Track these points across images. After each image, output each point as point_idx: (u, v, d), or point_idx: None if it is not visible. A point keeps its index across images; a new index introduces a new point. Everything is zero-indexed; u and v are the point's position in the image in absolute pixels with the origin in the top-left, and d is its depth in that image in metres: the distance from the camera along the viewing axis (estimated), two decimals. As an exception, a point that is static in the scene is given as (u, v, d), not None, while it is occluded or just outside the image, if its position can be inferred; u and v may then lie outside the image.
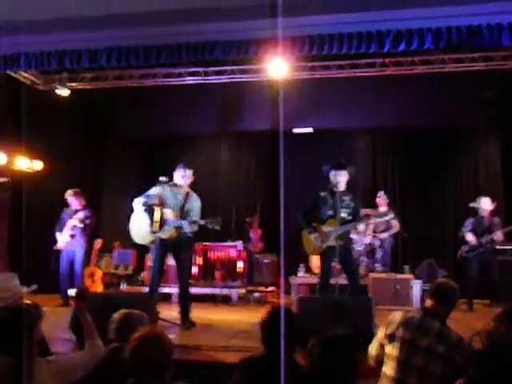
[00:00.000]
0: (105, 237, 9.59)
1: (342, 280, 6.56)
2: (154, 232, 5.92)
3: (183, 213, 6.14)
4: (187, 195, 6.25)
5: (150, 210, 6.09)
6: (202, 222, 5.94)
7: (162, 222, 5.99)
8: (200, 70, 9.23)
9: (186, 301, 6.19)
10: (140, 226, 6.17)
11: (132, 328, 3.26)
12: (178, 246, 6.15)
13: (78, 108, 9.87)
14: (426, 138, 9.86)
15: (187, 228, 5.99)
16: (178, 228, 6.04)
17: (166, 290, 8.22)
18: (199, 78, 9.38)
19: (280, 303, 3.26)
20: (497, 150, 9.80)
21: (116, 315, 3.44)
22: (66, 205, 7.99)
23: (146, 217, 6.09)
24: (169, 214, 6.06)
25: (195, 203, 6.27)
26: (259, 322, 2.90)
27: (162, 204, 6.04)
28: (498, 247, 7.93)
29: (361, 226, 6.25)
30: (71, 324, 4.81)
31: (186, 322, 5.95)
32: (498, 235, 7.48)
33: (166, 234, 6.01)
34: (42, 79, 9.62)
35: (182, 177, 6.22)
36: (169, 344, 2.49)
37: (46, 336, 5.13)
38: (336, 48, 5.56)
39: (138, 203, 6.19)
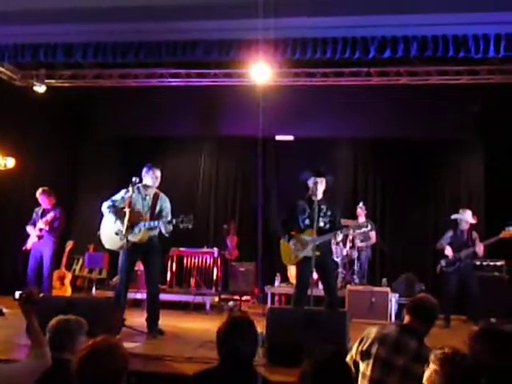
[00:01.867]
0: (79, 239, 9.36)
1: (318, 291, 6.40)
2: (123, 235, 5.66)
3: (154, 214, 5.92)
4: (156, 196, 6.02)
5: (118, 213, 5.84)
6: (174, 222, 5.70)
7: (132, 225, 5.74)
8: (182, 71, 9.06)
9: (154, 308, 5.95)
10: (108, 231, 5.94)
11: (70, 336, 3.04)
12: (148, 250, 5.91)
13: (55, 106, 9.64)
14: (409, 149, 9.80)
15: (163, 229, 5.74)
16: (149, 231, 5.81)
17: (138, 295, 7.97)
18: (181, 79, 9.20)
19: (239, 313, 3.07)
20: (479, 163, 9.74)
21: (52, 322, 3.15)
22: (39, 203, 7.74)
23: (114, 221, 5.85)
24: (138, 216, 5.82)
25: (165, 203, 6.05)
26: (216, 332, 2.71)
27: (131, 206, 5.79)
28: (477, 263, 7.87)
29: (339, 236, 6.08)
30: (27, 328, 4.56)
31: (153, 331, 5.70)
32: (480, 247, 7.37)
33: (137, 237, 5.76)
34: (19, 75, 9.39)
35: (152, 178, 5.95)
36: (122, 354, 2.28)
37: (4, 341, 4.93)
38: (320, 52, 5.43)
39: (105, 208, 5.97)
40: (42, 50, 5.98)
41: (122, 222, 5.68)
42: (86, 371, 2.18)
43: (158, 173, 6.01)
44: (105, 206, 5.97)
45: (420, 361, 2.96)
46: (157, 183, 6.03)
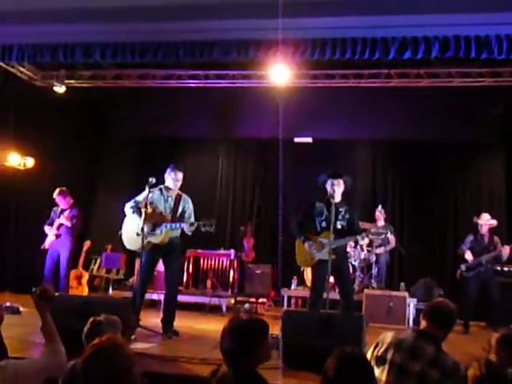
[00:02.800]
0: (97, 239, 9.39)
1: (334, 295, 6.33)
2: (143, 235, 5.66)
3: (176, 216, 5.91)
4: (179, 197, 6.03)
5: (140, 214, 5.83)
6: (195, 225, 5.69)
7: (154, 227, 5.75)
8: (200, 72, 9.05)
9: (171, 309, 5.95)
10: (130, 232, 5.95)
11: (98, 334, 3.02)
12: (169, 251, 5.92)
13: (75, 106, 9.67)
14: (429, 151, 9.66)
15: (186, 230, 5.75)
16: (170, 232, 5.81)
17: (154, 296, 7.98)
18: (199, 81, 9.19)
19: (243, 316, 2.99)
20: (501, 166, 9.57)
21: (86, 327, 3.19)
22: (56, 204, 7.78)
23: (136, 221, 5.85)
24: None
25: (187, 204, 6.06)
26: (220, 335, 2.64)
27: (153, 208, 5.80)
28: (497, 268, 7.73)
29: (363, 240, 6.00)
30: (42, 326, 4.56)
31: (168, 332, 5.68)
32: (506, 250, 7.22)
33: (158, 238, 5.78)
34: (39, 75, 9.46)
35: (174, 180, 5.96)
36: (127, 354, 2.24)
37: (20, 339, 4.93)
38: (339, 53, 5.36)
39: (128, 208, 5.99)
40: (60, 49, 6.00)
41: (144, 223, 5.69)
42: (89, 371, 2.15)
43: (180, 175, 6.00)
44: (128, 206, 6.00)
45: (437, 366, 2.89)
46: (178, 186, 6.02)
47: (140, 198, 5.98)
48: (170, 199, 5.99)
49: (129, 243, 6.06)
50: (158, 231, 5.76)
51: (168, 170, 6.01)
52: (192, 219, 5.93)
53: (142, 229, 5.60)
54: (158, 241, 5.79)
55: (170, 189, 5.98)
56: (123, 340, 2.34)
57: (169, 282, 6.03)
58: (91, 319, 3.22)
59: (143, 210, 5.67)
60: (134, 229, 5.91)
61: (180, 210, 5.99)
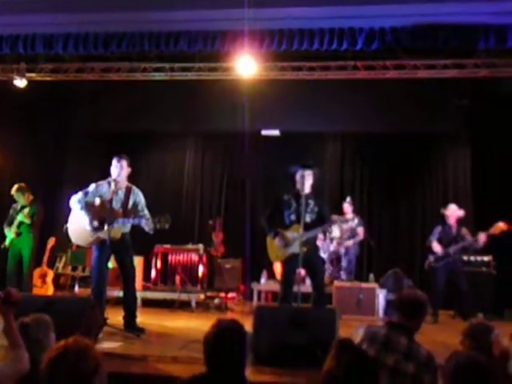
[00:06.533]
0: (62, 235, 9.15)
1: (305, 288, 6.30)
2: (94, 230, 5.48)
3: (126, 210, 5.70)
4: (128, 190, 5.80)
5: (89, 208, 5.64)
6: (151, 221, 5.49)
7: (103, 222, 5.53)
8: (166, 65, 8.89)
9: (134, 305, 5.82)
10: (77, 226, 5.73)
11: (28, 338, 2.92)
12: (121, 248, 5.71)
13: (36, 100, 9.39)
14: (396, 144, 9.72)
15: (146, 228, 5.50)
16: (122, 228, 5.63)
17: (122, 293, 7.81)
18: (165, 73, 9.03)
19: (227, 317, 2.92)
20: (467, 158, 9.67)
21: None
22: (15, 200, 7.56)
23: (84, 216, 5.64)
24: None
25: (138, 197, 5.83)
26: (203, 338, 2.55)
27: (102, 201, 5.59)
28: (464, 258, 7.84)
29: (334, 232, 5.95)
30: (4, 330, 4.40)
31: (134, 329, 5.53)
32: (482, 237, 7.26)
33: (111, 233, 5.48)
34: (-2, 69, 9.15)
35: (119, 168, 5.67)
36: (95, 356, 2.15)
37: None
38: (306, 44, 5.34)
39: (75, 201, 5.73)
40: (20, 40, 5.82)
41: (92, 218, 5.49)
42: (55, 374, 2.07)
43: (124, 162, 5.72)
44: (74, 199, 5.72)
45: (411, 359, 2.87)
46: (123, 175, 5.74)
47: (88, 190, 5.75)
48: (120, 192, 5.73)
49: (77, 239, 5.84)
50: (108, 226, 5.48)
51: (113, 161, 5.73)
52: (146, 212, 5.72)
53: (97, 223, 5.41)
54: (111, 236, 5.47)
55: (118, 182, 5.71)
56: (89, 341, 2.24)
57: (127, 280, 5.84)
58: (18, 322, 3.06)
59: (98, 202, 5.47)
60: (81, 223, 5.66)
61: (131, 203, 5.76)
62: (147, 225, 5.49)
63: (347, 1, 4.88)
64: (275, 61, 8.39)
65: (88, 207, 5.66)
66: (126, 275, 5.85)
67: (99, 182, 5.73)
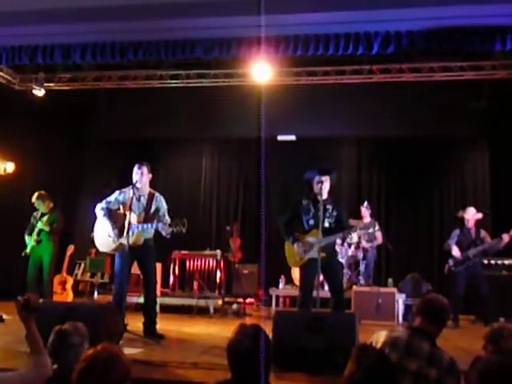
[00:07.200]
0: (80, 243, 9.24)
1: (324, 293, 6.27)
2: (116, 237, 5.54)
3: (148, 216, 5.76)
4: (151, 196, 5.86)
5: (113, 215, 5.70)
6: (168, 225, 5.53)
7: (128, 228, 5.58)
8: (182, 72, 8.96)
9: (154, 312, 5.86)
10: (102, 233, 5.80)
11: (65, 344, 2.96)
12: (143, 254, 5.76)
13: (55, 109, 9.51)
14: (413, 147, 9.66)
15: (163, 232, 5.56)
16: (143, 233, 5.68)
17: (142, 299, 7.84)
18: (181, 80, 9.09)
19: (250, 322, 2.91)
20: (485, 161, 9.60)
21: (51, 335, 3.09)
22: (36, 208, 7.64)
23: (107, 223, 5.72)
24: (133, 218, 5.64)
25: (161, 203, 5.89)
26: (227, 344, 2.55)
27: (126, 209, 5.65)
28: (485, 261, 7.74)
29: (352, 238, 5.91)
30: (27, 336, 4.45)
31: (154, 335, 5.57)
32: (506, 238, 7.19)
33: (130, 239, 5.55)
34: (18, 78, 9.29)
35: (140, 175, 5.72)
36: (124, 364, 2.16)
37: (4, 348, 4.81)
38: (322, 49, 5.33)
39: (99, 209, 5.82)
40: (39, 51, 5.90)
41: (115, 225, 5.54)
42: (85, 382, 2.07)
43: (145, 169, 5.78)
44: (98, 207, 5.82)
45: (434, 364, 2.85)
46: (145, 181, 5.81)
47: (111, 198, 5.83)
48: (142, 198, 5.81)
49: (101, 245, 5.90)
50: (130, 232, 5.54)
51: (134, 168, 5.79)
52: (167, 218, 5.77)
53: (127, 230, 5.47)
54: (131, 242, 5.54)
55: (139, 188, 5.74)
56: (119, 349, 2.25)
57: (149, 287, 5.88)
58: (56, 328, 3.11)
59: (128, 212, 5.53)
60: (105, 230, 5.75)
61: (153, 209, 5.82)
62: (164, 229, 5.53)
63: (362, 6, 4.87)
64: (290, 66, 8.42)
65: (110, 214, 5.73)
66: (148, 282, 5.89)
67: (122, 190, 5.80)
